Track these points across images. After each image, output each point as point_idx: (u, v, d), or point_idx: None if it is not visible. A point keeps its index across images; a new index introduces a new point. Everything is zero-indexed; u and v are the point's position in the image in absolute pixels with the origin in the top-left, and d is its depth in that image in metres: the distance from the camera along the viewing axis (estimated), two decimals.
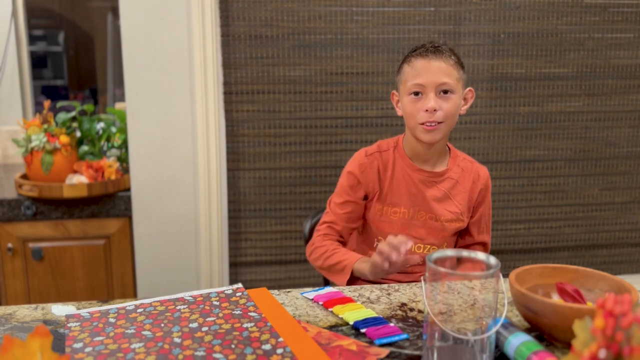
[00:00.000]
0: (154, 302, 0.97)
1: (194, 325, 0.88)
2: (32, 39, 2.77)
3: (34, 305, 1.01)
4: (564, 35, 2.07)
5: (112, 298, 1.99)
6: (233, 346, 0.82)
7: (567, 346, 0.82)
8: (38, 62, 2.98)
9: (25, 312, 0.98)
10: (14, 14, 2.46)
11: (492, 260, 0.74)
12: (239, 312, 0.93)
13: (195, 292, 1.01)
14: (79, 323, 0.90)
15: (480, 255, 0.77)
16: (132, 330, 0.86)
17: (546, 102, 2.11)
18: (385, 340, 0.85)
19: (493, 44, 2.04)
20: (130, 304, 0.97)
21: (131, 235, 1.98)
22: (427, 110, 1.17)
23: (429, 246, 1.27)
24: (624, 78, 2.14)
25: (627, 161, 2.20)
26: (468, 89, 1.27)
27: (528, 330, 0.88)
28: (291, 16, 1.93)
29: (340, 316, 0.95)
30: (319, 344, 0.84)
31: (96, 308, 0.96)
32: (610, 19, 2.08)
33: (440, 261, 0.76)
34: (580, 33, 2.08)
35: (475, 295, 0.73)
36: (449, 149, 1.32)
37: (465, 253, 0.78)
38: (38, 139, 1.91)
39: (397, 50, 1.99)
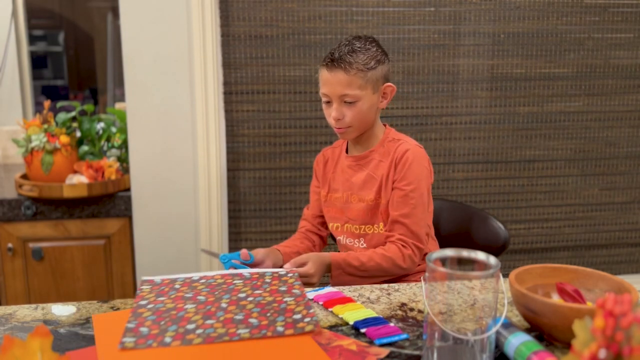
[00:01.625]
0: (216, 275, 1.09)
1: (242, 295, 1.00)
2: (32, 39, 2.77)
3: (34, 305, 1.01)
4: (564, 35, 2.07)
5: (112, 298, 1.99)
6: (268, 314, 0.92)
7: (567, 346, 0.82)
8: (38, 62, 2.98)
9: (25, 312, 0.98)
10: (14, 14, 2.46)
11: (492, 260, 0.74)
12: (284, 288, 1.03)
13: (254, 270, 1.13)
14: (150, 286, 1.04)
15: (480, 255, 0.77)
16: (190, 295, 0.99)
17: (546, 102, 2.11)
18: (385, 340, 0.85)
19: (493, 44, 2.04)
20: (196, 274, 1.09)
21: (131, 235, 1.98)
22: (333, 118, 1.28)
23: (363, 226, 1.33)
24: (624, 78, 2.14)
25: (627, 161, 2.20)
26: (387, 84, 1.29)
27: (528, 330, 0.88)
28: (291, 16, 1.93)
29: (340, 316, 0.95)
30: (319, 344, 0.84)
31: (167, 276, 1.08)
32: (610, 19, 2.08)
33: (440, 261, 0.76)
34: (580, 33, 2.08)
35: (475, 295, 0.73)
36: (387, 130, 1.36)
37: (465, 253, 0.78)
38: (38, 139, 1.92)
39: (397, 50, 1.99)
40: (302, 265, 1.19)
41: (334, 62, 1.23)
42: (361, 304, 1.00)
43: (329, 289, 1.06)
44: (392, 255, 1.24)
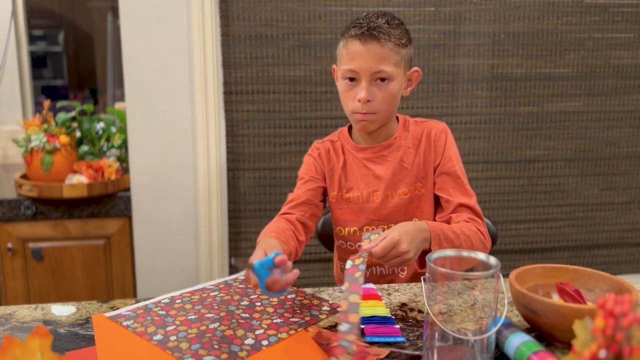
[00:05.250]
0: (184, 293, 1.01)
1: (232, 307, 0.95)
2: (32, 39, 2.77)
3: (34, 305, 1.01)
4: (564, 35, 2.07)
5: (112, 298, 1.99)
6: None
7: (567, 346, 0.82)
8: (38, 62, 2.98)
9: (25, 312, 0.98)
10: (14, 14, 2.46)
11: (492, 260, 0.74)
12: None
13: (217, 281, 1.07)
14: (132, 320, 0.91)
15: (480, 255, 0.77)
16: (194, 315, 0.91)
17: (546, 102, 2.11)
18: (376, 339, 0.85)
19: (493, 44, 2.04)
20: (163, 297, 0.99)
21: (131, 235, 1.98)
22: (359, 100, 1.11)
23: (393, 225, 1.10)
24: (624, 78, 2.14)
25: (627, 161, 2.20)
26: (414, 69, 1.17)
27: (528, 330, 0.88)
28: (291, 16, 1.92)
29: None
30: (319, 344, 0.84)
31: (134, 306, 0.96)
32: (610, 19, 2.08)
33: (440, 261, 0.76)
34: (580, 33, 2.08)
35: (475, 295, 0.73)
36: (398, 118, 1.24)
37: (465, 253, 0.78)
38: (38, 139, 1.91)
39: None
40: (394, 246, 0.96)
41: (370, 31, 1.07)
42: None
43: (364, 285, 1.05)
44: (476, 231, 1.10)
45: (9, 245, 1.89)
